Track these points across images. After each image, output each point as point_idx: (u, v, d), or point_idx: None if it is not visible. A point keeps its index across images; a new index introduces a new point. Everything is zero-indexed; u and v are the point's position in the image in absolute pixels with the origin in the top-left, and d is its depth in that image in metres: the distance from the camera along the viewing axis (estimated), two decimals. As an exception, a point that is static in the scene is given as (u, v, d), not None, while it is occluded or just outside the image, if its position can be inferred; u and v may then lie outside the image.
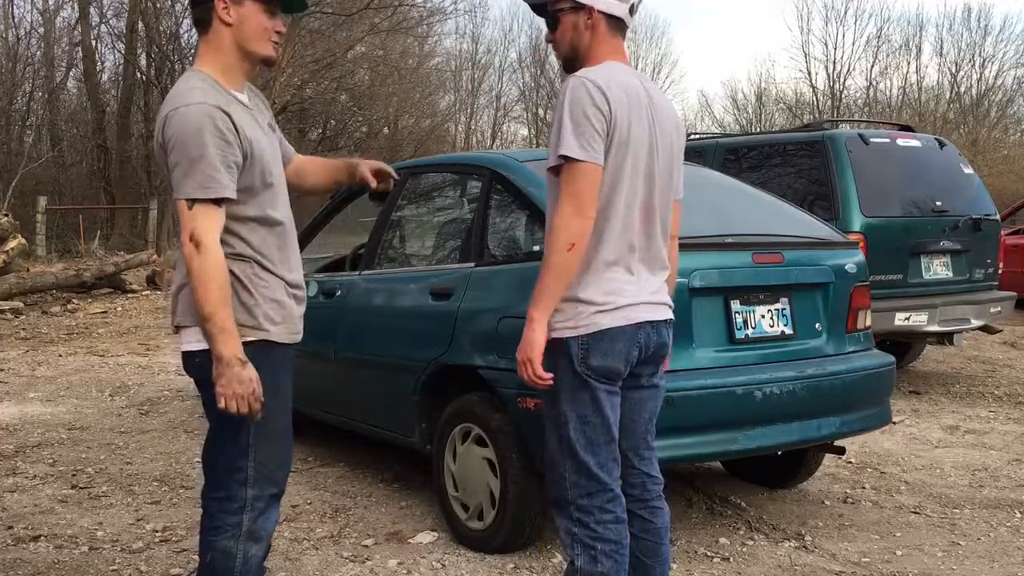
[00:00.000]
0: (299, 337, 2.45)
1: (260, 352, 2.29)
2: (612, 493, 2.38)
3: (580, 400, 2.35)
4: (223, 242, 2.25)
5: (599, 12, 2.37)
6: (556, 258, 2.25)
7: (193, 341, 2.33)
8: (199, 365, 2.32)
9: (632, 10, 2.41)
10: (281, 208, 2.40)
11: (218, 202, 2.22)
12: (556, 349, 2.34)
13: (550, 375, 2.32)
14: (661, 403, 2.58)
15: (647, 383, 2.50)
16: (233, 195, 2.23)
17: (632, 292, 2.36)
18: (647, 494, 2.52)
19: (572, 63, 2.43)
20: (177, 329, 2.46)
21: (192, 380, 2.55)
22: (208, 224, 2.20)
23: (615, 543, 2.37)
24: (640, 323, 2.37)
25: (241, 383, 2.18)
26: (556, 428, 2.39)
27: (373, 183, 2.67)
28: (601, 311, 2.32)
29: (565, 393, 2.36)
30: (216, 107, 2.22)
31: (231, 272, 2.28)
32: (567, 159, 2.26)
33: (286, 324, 2.38)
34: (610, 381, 2.36)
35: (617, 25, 2.41)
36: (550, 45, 2.46)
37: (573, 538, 2.37)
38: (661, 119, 2.42)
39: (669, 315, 2.49)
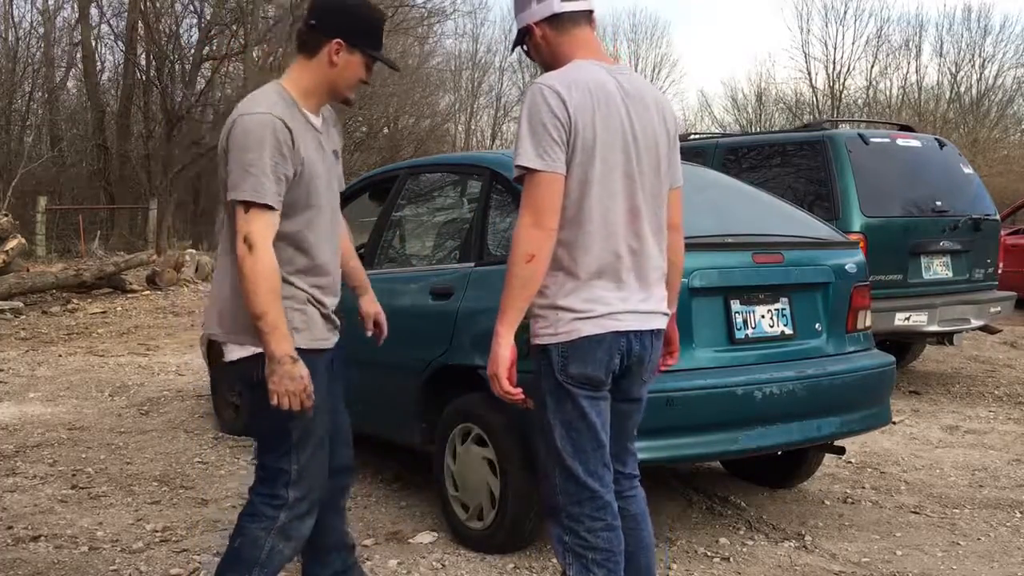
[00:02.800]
0: (326, 343, 2.51)
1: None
2: (602, 500, 2.34)
3: (564, 408, 2.32)
4: None
5: (538, 24, 2.36)
6: (516, 270, 2.21)
7: (233, 353, 2.43)
8: (242, 371, 2.42)
9: None
10: (319, 231, 2.47)
11: (271, 207, 2.31)
12: (538, 357, 2.32)
13: (519, 389, 2.28)
14: (643, 413, 2.53)
15: (634, 395, 2.45)
16: (277, 206, 2.32)
17: (616, 301, 2.30)
18: (620, 488, 2.47)
19: None
20: (210, 342, 2.53)
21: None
22: (262, 227, 2.29)
23: (607, 551, 2.32)
24: (623, 332, 2.30)
25: (292, 380, 2.27)
26: (543, 436, 2.36)
27: (369, 328, 2.84)
28: (580, 318, 2.27)
29: (550, 401, 2.33)
30: (279, 119, 2.33)
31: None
32: (524, 169, 2.22)
33: (310, 331, 2.44)
34: (592, 388, 2.32)
35: (566, 20, 2.34)
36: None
37: (564, 546, 2.34)
38: (641, 112, 2.33)
39: (659, 325, 2.41)
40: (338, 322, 2.58)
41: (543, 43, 2.38)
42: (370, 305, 2.85)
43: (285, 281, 2.39)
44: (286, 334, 2.30)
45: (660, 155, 2.37)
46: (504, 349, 2.25)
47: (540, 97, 2.22)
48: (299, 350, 2.35)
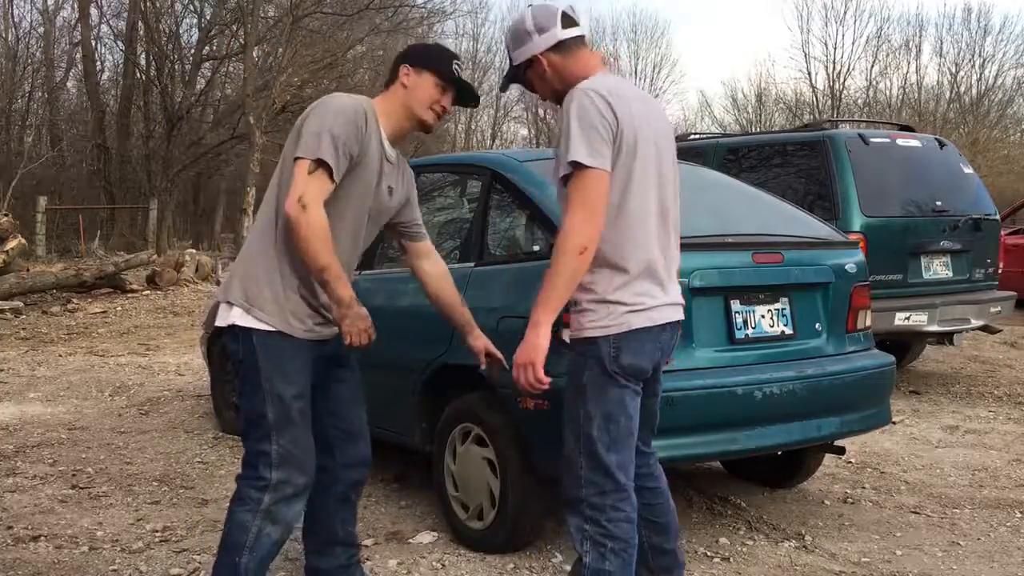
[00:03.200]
0: (310, 335, 2.62)
1: (272, 339, 2.52)
2: (625, 493, 2.42)
3: (607, 399, 2.39)
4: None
5: (543, 54, 2.51)
6: (568, 261, 2.29)
7: (238, 317, 2.55)
8: (243, 342, 2.54)
9: (570, 20, 2.51)
10: (342, 240, 2.58)
11: (333, 177, 2.47)
12: (585, 349, 2.40)
13: (548, 379, 2.35)
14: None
15: (658, 386, 2.62)
16: (336, 177, 2.48)
17: (659, 295, 2.44)
18: (647, 468, 2.67)
19: (560, 100, 2.53)
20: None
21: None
22: (316, 190, 2.44)
23: (624, 541, 2.40)
24: (664, 324, 2.46)
25: (361, 319, 2.49)
26: (577, 426, 2.43)
27: (482, 362, 2.90)
28: (632, 311, 2.39)
29: (591, 392, 2.39)
30: (364, 112, 2.54)
31: (269, 259, 2.54)
32: (577, 165, 2.30)
33: (301, 322, 2.57)
34: (636, 381, 2.43)
35: (570, 44, 2.50)
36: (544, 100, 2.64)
37: (583, 535, 2.41)
38: (658, 118, 2.50)
39: (682, 316, 2.58)
40: (332, 318, 2.63)
41: (551, 71, 2.52)
42: (477, 341, 2.91)
43: (291, 262, 2.53)
44: (345, 279, 2.48)
45: (674, 158, 2.56)
46: (544, 339, 2.32)
47: (587, 100, 2.35)
48: (272, 332, 2.51)
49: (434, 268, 2.91)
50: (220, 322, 2.61)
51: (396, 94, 2.68)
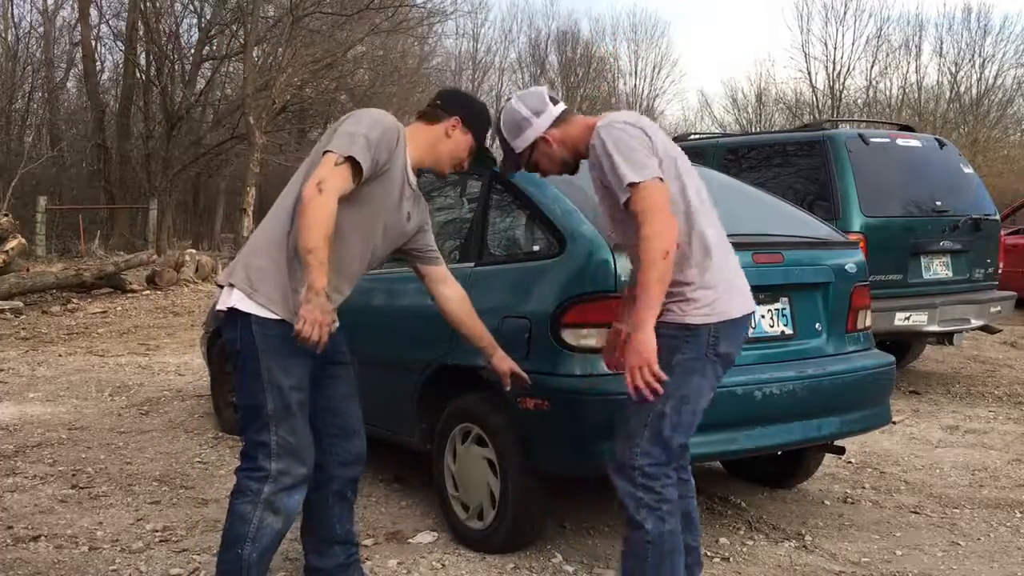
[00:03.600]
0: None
1: (273, 328, 2.54)
2: (674, 463, 2.63)
3: (691, 384, 2.54)
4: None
5: (547, 132, 2.70)
6: (659, 266, 2.41)
7: (239, 301, 2.57)
8: (242, 330, 2.56)
9: (554, 99, 2.74)
10: (352, 248, 2.64)
11: (359, 175, 2.51)
12: (684, 334, 2.53)
13: (661, 376, 2.45)
14: None
15: None
16: (362, 175, 2.53)
17: (743, 285, 2.67)
18: (682, 460, 2.82)
19: (572, 167, 2.78)
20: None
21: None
22: (339, 180, 2.48)
23: (672, 503, 2.58)
24: (750, 313, 2.67)
25: (324, 312, 2.45)
26: (649, 402, 2.50)
27: (506, 384, 2.98)
28: (729, 302, 2.58)
29: (679, 374, 2.52)
30: (398, 131, 2.62)
31: (282, 249, 2.56)
32: (632, 187, 2.44)
33: (284, 305, 2.57)
34: (726, 368, 2.64)
35: (565, 114, 2.73)
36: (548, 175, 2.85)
37: (638, 503, 2.54)
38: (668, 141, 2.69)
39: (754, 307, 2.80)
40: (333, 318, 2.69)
41: (559, 144, 2.72)
42: (501, 363, 2.97)
43: (294, 256, 2.54)
44: (326, 271, 2.47)
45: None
46: (652, 339, 2.43)
47: (618, 130, 2.52)
48: (274, 321, 2.53)
49: (454, 293, 2.96)
50: (221, 305, 2.63)
51: (435, 136, 2.76)
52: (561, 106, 2.74)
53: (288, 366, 2.56)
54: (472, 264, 3.63)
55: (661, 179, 2.47)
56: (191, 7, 23.40)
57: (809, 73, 35.09)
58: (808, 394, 3.40)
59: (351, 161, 2.48)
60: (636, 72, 41.26)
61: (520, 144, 2.74)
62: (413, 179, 2.75)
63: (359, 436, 2.88)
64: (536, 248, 3.43)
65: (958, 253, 6.46)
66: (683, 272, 2.54)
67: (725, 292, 2.58)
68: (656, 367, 2.43)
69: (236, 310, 2.56)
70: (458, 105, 2.79)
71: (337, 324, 2.79)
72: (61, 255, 18.04)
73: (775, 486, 4.27)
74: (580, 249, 3.20)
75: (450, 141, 2.75)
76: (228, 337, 2.63)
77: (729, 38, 57.74)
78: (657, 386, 2.44)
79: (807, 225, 3.97)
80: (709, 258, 2.56)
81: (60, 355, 8.15)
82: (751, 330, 3.39)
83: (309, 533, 2.89)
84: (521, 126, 2.72)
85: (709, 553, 3.47)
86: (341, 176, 2.48)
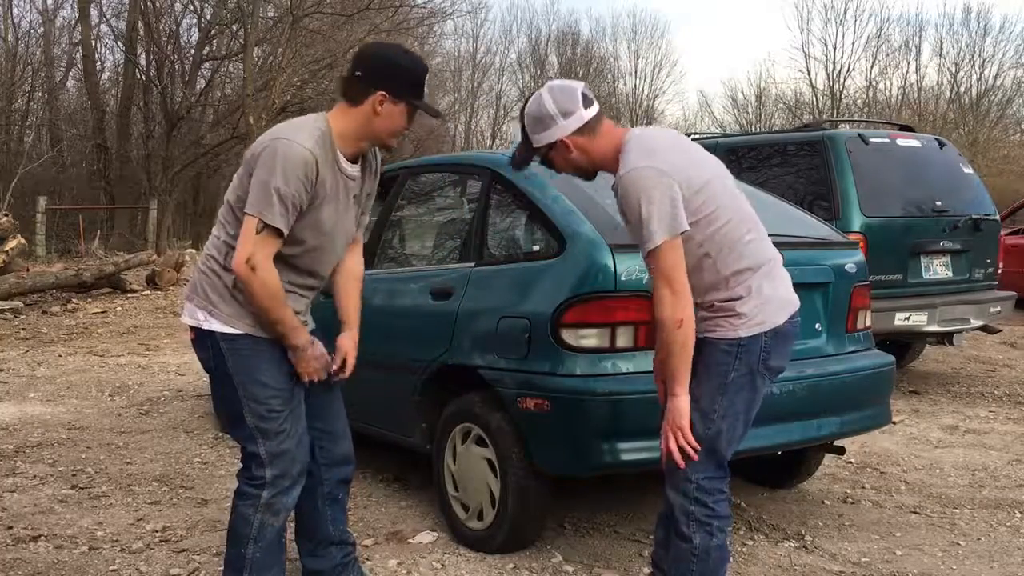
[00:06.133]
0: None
1: (239, 342, 2.55)
2: (728, 478, 2.59)
3: (744, 399, 2.53)
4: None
5: (569, 137, 2.53)
6: (674, 337, 2.39)
7: (202, 320, 2.58)
8: (212, 349, 2.57)
9: (588, 100, 2.54)
10: (309, 260, 2.62)
11: (282, 235, 2.47)
12: (733, 348, 2.50)
13: (693, 440, 2.47)
14: None
15: None
16: (285, 230, 2.47)
17: (783, 296, 2.62)
18: None
19: (585, 174, 2.63)
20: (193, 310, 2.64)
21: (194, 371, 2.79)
22: (267, 251, 2.46)
23: (725, 519, 2.57)
24: (794, 314, 2.63)
25: (316, 359, 2.62)
26: (706, 416, 2.50)
27: (336, 361, 2.79)
28: (769, 314, 2.53)
29: (734, 392, 2.50)
30: (315, 158, 2.46)
31: (228, 272, 2.53)
32: (650, 253, 2.39)
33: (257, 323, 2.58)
34: (773, 379, 2.63)
35: (593, 123, 2.54)
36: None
37: (689, 516, 2.53)
38: (697, 154, 2.60)
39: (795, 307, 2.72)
40: (307, 318, 2.73)
41: (577, 151, 2.55)
42: (346, 340, 2.83)
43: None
44: (300, 327, 2.56)
45: (727, 175, 2.67)
46: (685, 405, 2.46)
47: (645, 178, 2.39)
48: (238, 335, 2.54)
49: (350, 263, 2.85)
50: (186, 320, 2.62)
51: (364, 116, 2.56)
52: (594, 109, 2.54)
53: (261, 377, 2.57)
54: (472, 264, 3.63)
55: (680, 235, 2.40)
56: (191, 7, 23.39)
57: (809, 73, 35.11)
58: (808, 394, 3.40)
59: (270, 227, 2.43)
60: (636, 72, 41.25)
61: (540, 140, 2.57)
62: (351, 169, 2.62)
63: (346, 437, 2.87)
64: (536, 248, 3.43)
65: (958, 253, 6.46)
66: (728, 289, 2.50)
67: (767, 302, 2.53)
68: (689, 434, 2.46)
69: (202, 329, 2.57)
70: (380, 77, 2.53)
71: (312, 326, 2.77)
72: (61, 255, 18.03)
73: (775, 486, 4.26)
74: (580, 249, 3.20)
75: (381, 118, 2.55)
76: (200, 356, 2.64)
77: (729, 38, 57.76)
78: (690, 451, 2.47)
79: (807, 225, 3.97)
80: (750, 270, 2.52)
81: (60, 355, 8.15)
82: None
83: (303, 536, 2.89)
84: (545, 123, 2.54)
85: (709, 553, 3.47)
86: (266, 244, 2.45)
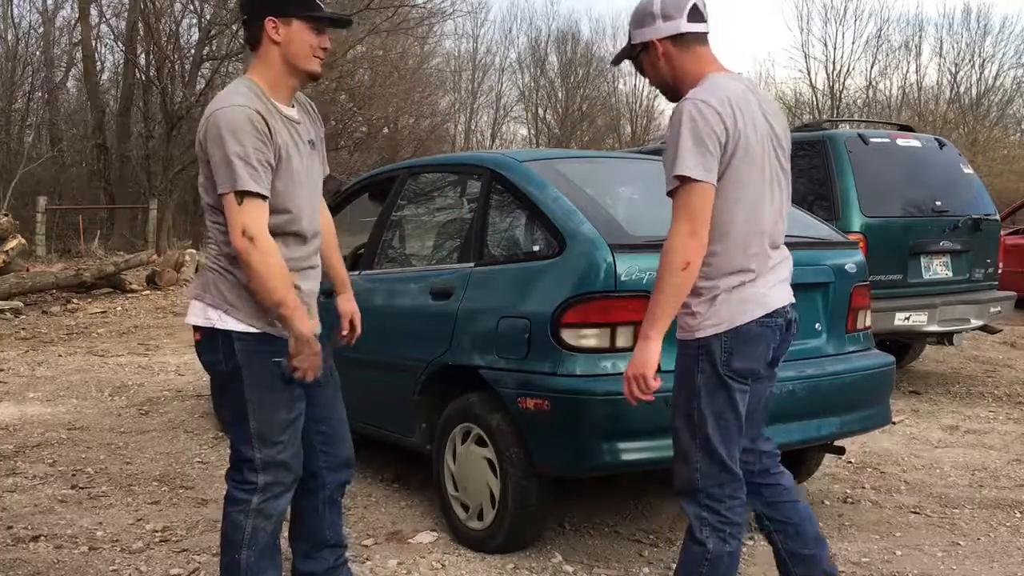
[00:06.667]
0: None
1: (255, 344, 2.46)
2: (739, 481, 2.50)
3: (720, 398, 2.42)
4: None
5: (660, 41, 2.43)
6: (671, 279, 2.29)
7: (216, 319, 2.47)
8: (224, 351, 2.46)
9: (698, 15, 2.44)
10: (302, 220, 2.53)
11: (263, 196, 2.36)
12: (694, 352, 2.42)
13: (657, 385, 2.37)
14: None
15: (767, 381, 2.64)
16: (267, 193, 2.38)
17: (767, 296, 2.47)
18: (766, 465, 2.69)
19: (668, 92, 2.51)
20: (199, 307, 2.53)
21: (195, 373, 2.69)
22: (258, 217, 2.35)
23: (738, 525, 2.51)
24: (773, 322, 2.48)
25: (316, 355, 2.44)
26: (692, 424, 2.44)
27: (344, 327, 2.85)
28: (738, 312, 2.41)
29: (706, 395, 2.42)
30: (255, 111, 2.37)
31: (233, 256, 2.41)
32: (683, 179, 2.28)
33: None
34: (756, 380, 2.52)
35: (690, 39, 2.43)
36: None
37: (702, 522, 2.48)
38: (778, 122, 2.51)
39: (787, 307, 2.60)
40: (315, 308, 2.63)
41: (663, 60, 2.46)
42: (346, 304, 2.87)
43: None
44: (304, 312, 2.42)
45: (784, 159, 2.57)
46: (653, 353, 2.34)
47: (697, 112, 2.30)
48: (255, 336, 2.45)
49: (327, 220, 2.81)
50: (194, 321, 2.50)
51: (271, 55, 2.46)
52: (700, 26, 2.42)
53: (275, 383, 2.48)
54: (472, 264, 3.63)
55: (715, 186, 2.31)
56: (191, 7, 23.37)
57: (809, 73, 35.16)
58: (808, 394, 3.40)
59: (248, 193, 2.34)
60: (636, 72, 41.21)
61: (635, 37, 2.47)
62: (294, 114, 2.53)
63: (347, 441, 2.83)
64: (536, 248, 3.43)
65: (958, 253, 6.46)
66: (701, 283, 2.39)
67: (739, 306, 2.41)
68: (650, 382, 2.35)
69: (215, 330, 2.46)
70: (259, 5, 2.45)
71: (320, 329, 2.68)
72: (61, 255, 18.03)
73: (775, 486, 4.26)
74: (580, 249, 3.19)
75: (284, 45, 2.45)
76: (208, 359, 2.52)
77: (729, 38, 57.69)
78: (646, 398, 2.38)
79: (807, 225, 3.97)
80: (731, 272, 2.41)
81: (60, 355, 8.15)
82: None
83: (299, 538, 2.86)
84: (644, 20, 2.44)
85: (709, 553, 3.47)
86: (253, 212, 2.34)
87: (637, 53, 2.50)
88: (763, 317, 2.44)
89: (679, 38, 2.42)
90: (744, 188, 2.39)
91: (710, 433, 2.43)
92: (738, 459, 2.51)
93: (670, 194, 2.34)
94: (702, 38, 2.46)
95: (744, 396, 2.46)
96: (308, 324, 2.42)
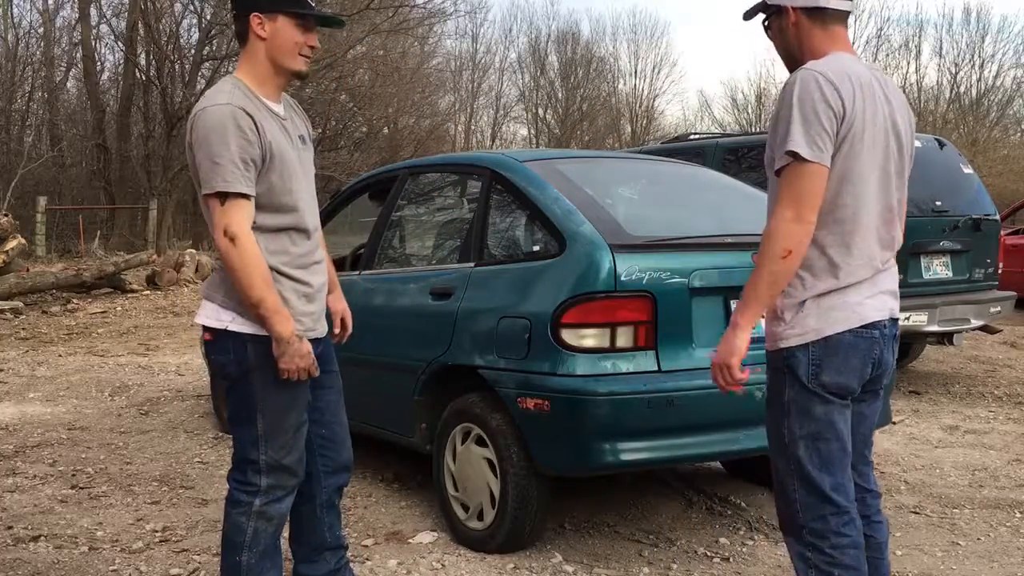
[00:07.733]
0: (313, 333, 2.57)
1: (266, 346, 2.43)
2: (848, 516, 2.22)
3: (815, 415, 2.21)
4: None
5: (795, 9, 2.28)
6: (770, 266, 2.13)
7: (228, 321, 2.46)
8: (235, 352, 2.45)
9: None
10: (306, 216, 2.53)
11: (247, 196, 2.35)
12: (780, 364, 2.23)
13: (745, 376, 2.21)
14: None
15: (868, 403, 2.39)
16: (251, 192, 2.37)
17: (869, 301, 2.24)
18: (868, 509, 2.39)
19: (790, 63, 2.34)
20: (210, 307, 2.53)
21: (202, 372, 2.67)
22: (240, 217, 2.34)
23: (854, 570, 2.20)
24: (871, 333, 2.24)
25: (302, 357, 2.42)
26: (783, 447, 2.25)
27: (336, 325, 2.84)
28: (835, 320, 2.20)
29: (796, 412, 2.22)
30: (240, 108, 2.36)
31: None
32: (795, 157, 2.10)
33: (299, 320, 2.48)
34: (842, 398, 2.26)
35: (826, 16, 2.26)
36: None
37: (807, 563, 2.22)
38: (901, 112, 2.30)
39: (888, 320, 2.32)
40: (323, 303, 2.63)
41: (793, 29, 2.29)
42: (337, 303, 2.88)
43: (279, 272, 2.46)
44: (287, 315, 2.40)
45: (910, 156, 2.34)
46: (742, 341, 2.17)
47: (814, 84, 2.12)
48: (267, 336, 2.42)
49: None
50: (205, 321, 2.49)
51: (257, 51, 2.46)
52: (842, 4, 2.26)
53: (285, 388, 2.47)
54: (472, 264, 3.63)
55: (827, 167, 2.12)
56: (191, 7, 23.39)
57: (809, 73, 35.05)
58: (808, 394, 3.39)
59: (231, 194, 2.33)
60: (636, 72, 41.27)
61: None
62: (281, 110, 2.52)
63: (346, 445, 2.83)
64: (536, 248, 3.43)
65: (958, 253, 6.46)
66: (797, 280, 2.20)
67: (839, 312, 2.18)
68: (736, 372, 2.18)
69: (227, 331, 2.45)
70: (245, 1, 2.45)
71: (326, 330, 2.69)
72: (61, 255, 18.04)
73: (775, 486, 4.25)
74: (580, 249, 3.20)
75: (269, 41, 2.44)
76: (218, 360, 2.50)
77: (729, 38, 57.78)
78: (735, 387, 2.20)
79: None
80: (835, 271, 2.20)
81: (60, 355, 8.15)
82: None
83: (299, 542, 2.85)
84: None
85: (709, 553, 3.48)
86: (237, 211, 2.33)
87: (770, 14, 2.35)
88: (859, 328, 2.20)
89: (815, 11, 2.26)
90: (854, 179, 2.17)
91: (802, 457, 2.19)
92: (848, 490, 2.23)
93: (777, 173, 2.15)
94: (840, 17, 2.29)
95: (844, 415, 2.22)
96: (289, 326, 2.38)
